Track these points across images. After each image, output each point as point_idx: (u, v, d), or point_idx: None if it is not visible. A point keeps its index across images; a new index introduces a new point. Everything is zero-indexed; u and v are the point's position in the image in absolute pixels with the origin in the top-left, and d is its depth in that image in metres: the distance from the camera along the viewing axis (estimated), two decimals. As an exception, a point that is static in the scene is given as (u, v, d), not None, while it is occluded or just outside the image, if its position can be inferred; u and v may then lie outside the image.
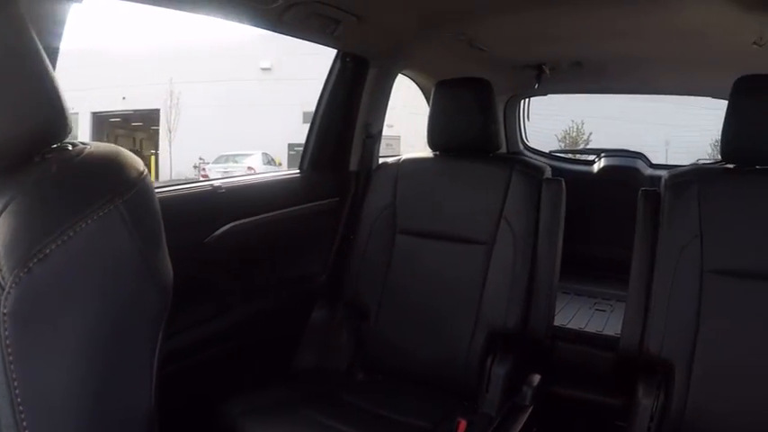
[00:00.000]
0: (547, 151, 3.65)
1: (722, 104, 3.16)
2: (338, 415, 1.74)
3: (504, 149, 3.26)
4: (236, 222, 1.81)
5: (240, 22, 1.75)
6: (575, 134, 20.48)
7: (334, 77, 2.19)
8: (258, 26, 1.80)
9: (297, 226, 2.06)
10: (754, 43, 2.06)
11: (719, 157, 1.80)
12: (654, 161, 3.38)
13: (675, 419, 1.69)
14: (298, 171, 2.19)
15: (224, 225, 1.77)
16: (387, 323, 2.03)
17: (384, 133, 2.37)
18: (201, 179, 1.85)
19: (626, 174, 3.17)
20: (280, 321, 2.04)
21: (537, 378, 1.95)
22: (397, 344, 2.01)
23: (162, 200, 0.84)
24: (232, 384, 1.83)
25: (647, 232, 1.83)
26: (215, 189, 1.79)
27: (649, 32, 2.20)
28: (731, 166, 1.79)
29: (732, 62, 2.40)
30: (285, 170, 2.32)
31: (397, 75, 2.36)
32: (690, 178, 1.78)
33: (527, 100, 3.44)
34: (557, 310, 2.12)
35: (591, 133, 19.74)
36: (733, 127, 1.75)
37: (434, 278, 2.00)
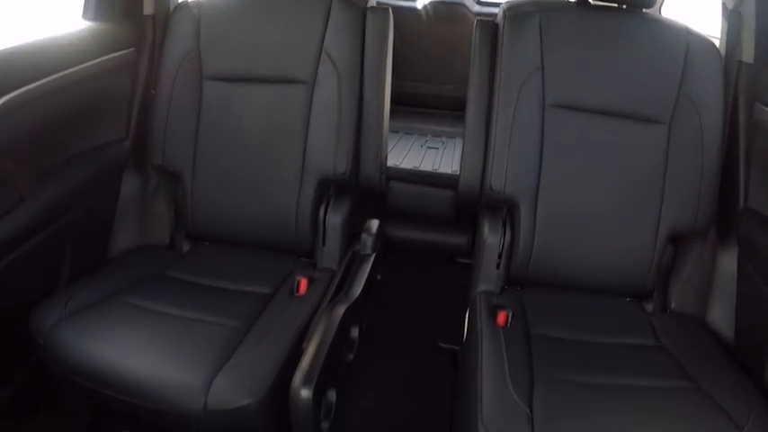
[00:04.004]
0: None
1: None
2: (167, 296, 1.58)
3: None
4: (11, 96, 1.45)
5: None
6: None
7: None
8: None
9: (89, 87, 1.74)
10: None
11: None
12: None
13: (524, 256, 1.70)
14: (82, 22, 1.85)
15: None
16: (204, 184, 1.85)
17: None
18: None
19: (452, 10, 3.07)
20: (85, 203, 1.77)
21: (376, 224, 1.89)
22: (220, 205, 1.85)
23: None
24: (43, 288, 1.60)
25: (483, 67, 1.75)
26: None
27: None
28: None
29: None
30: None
31: None
32: (531, 9, 1.71)
33: None
34: (388, 150, 2.06)
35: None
36: None
37: (251, 126, 1.82)
